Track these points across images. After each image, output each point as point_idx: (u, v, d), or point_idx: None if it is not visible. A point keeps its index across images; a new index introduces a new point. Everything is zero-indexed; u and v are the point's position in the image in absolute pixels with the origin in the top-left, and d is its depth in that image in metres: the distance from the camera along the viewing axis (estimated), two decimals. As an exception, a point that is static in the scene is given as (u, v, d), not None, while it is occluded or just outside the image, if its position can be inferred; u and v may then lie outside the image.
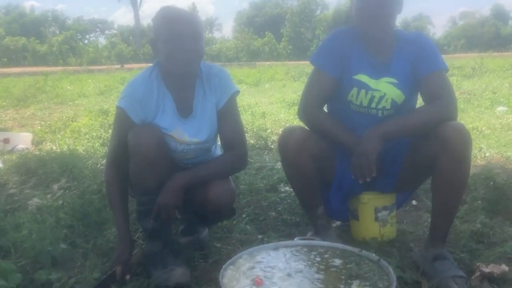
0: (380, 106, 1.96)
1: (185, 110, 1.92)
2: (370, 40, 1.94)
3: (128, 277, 1.83)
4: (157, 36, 1.81)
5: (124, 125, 1.86)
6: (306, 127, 2.02)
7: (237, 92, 1.98)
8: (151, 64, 1.97)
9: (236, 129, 1.97)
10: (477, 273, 1.80)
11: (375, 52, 1.96)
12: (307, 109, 2.00)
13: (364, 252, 1.68)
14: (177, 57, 1.77)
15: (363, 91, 1.95)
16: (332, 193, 2.10)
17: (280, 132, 5.20)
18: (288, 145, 1.93)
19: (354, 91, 1.97)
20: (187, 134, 1.92)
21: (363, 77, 1.95)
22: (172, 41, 1.76)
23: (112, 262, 1.89)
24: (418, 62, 1.91)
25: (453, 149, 1.74)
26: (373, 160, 1.81)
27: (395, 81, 1.93)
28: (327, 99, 2.03)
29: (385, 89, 1.94)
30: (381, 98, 1.95)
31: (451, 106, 1.85)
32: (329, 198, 2.10)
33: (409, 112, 1.95)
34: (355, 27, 1.98)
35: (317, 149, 1.93)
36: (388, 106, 1.96)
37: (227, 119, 1.96)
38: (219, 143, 2.13)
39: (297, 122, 5.70)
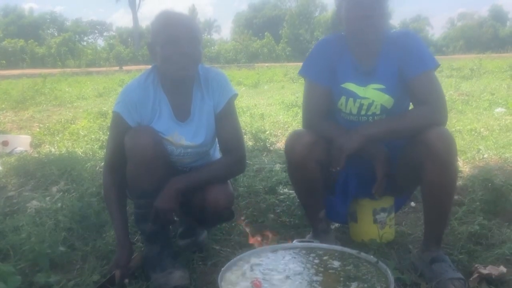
0: (370, 113, 1.96)
1: (182, 113, 1.93)
2: (357, 45, 1.93)
3: (127, 281, 1.83)
4: (155, 39, 1.82)
5: (121, 130, 1.87)
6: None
7: (235, 95, 1.99)
8: (149, 66, 1.97)
9: (234, 133, 1.97)
10: (475, 275, 1.80)
11: (362, 58, 1.94)
12: (311, 124, 1.99)
13: (363, 254, 1.69)
14: (174, 61, 1.78)
15: (351, 99, 1.95)
16: (337, 197, 2.09)
17: (278, 134, 5.22)
18: (296, 150, 1.91)
19: (343, 99, 1.97)
20: (185, 137, 1.92)
21: (350, 86, 1.95)
22: (169, 44, 1.77)
23: (111, 266, 1.89)
24: (404, 64, 1.88)
25: (436, 155, 1.72)
26: (344, 156, 1.80)
27: (382, 86, 1.92)
28: (327, 108, 2.01)
29: (373, 96, 1.93)
30: (370, 105, 1.95)
31: (438, 111, 1.82)
32: (330, 201, 2.10)
33: (397, 115, 1.94)
34: (340, 35, 1.99)
35: (324, 153, 1.91)
36: (378, 112, 1.96)
37: (225, 122, 1.96)
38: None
39: (296, 124, 5.73)
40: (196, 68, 1.89)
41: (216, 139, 2.05)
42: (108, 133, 2.00)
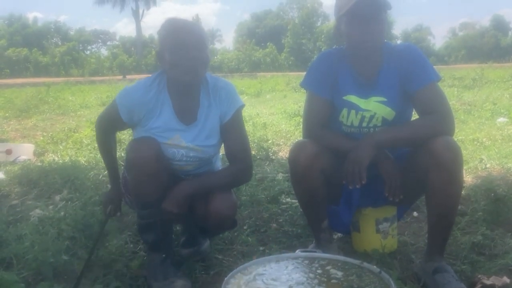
0: (371, 125, 1.97)
1: (188, 118, 1.94)
2: (357, 58, 1.94)
3: (119, 213, 2.19)
4: (163, 46, 1.85)
5: (113, 115, 1.95)
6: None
7: (243, 106, 2.02)
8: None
9: (241, 142, 1.99)
10: (479, 285, 1.80)
11: (362, 71, 1.96)
12: (311, 134, 2.00)
13: (365, 264, 1.69)
14: (182, 66, 1.80)
15: (353, 111, 1.97)
16: (341, 207, 2.10)
17: (281, 143, 5.22)
18: (299, 160, 1.91)
19: (345, 111, 1.98)
20: (184, 140, 1.93)
21: (352, 98, 1.96)
22: (177, 50, 1.80)
23: (105, 201, 2.16)
24: (407, 76, 1.90)
25: (442, 165, 1.73)
26: (364, 167, 1.80)
27: (384, 99, 1.93)
28: (327, 120, 2.02)
29: (375, 109, 1.94)
30: (371, 117, 1.96)
31: (447, 121, 1.84)
32: (333, 211, 2.10)
33: (405, 123, 1.96)
34: (341, 48, 2.00)
35: (328, 163, 1.92)
36: (379, 124, 1.97)
37: (233, 132, 1.98)
38: (220, 155, 2.15)
39: (298, 133, 5.74)
40: (204, 72, 1.90)
41: (219, 149, 2.06)
42: (106, 107, 2.09)
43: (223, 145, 2.05)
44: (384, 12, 1.85)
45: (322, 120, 2.00)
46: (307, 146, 1.92)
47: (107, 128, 2.07)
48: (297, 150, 1.94)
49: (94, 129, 2.19)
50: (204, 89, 1.96)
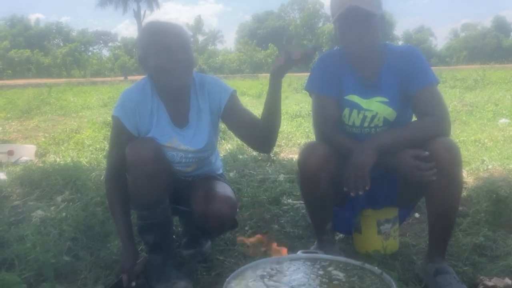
0: (372, 125, 1.97)
1: (180, 121, 1.93)
2: (358, 60, 1.95)
3: (134, 283, 1.83)
4: (146, 52, 1.81)
5: (120, 134, 1.88)
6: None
7: (235, 91, 1.98)
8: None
9: (251, 113, 1.94)
10: (480, 287, 1.80)
11: (364, 71, 1.96)
12: (325, 135, 1.99)
13: (367, 265, 1.68)
14: (170, 70, 1.77)
15: (355, 111, 1.97)
16: (346, 208, 2.09)
17: (282, 144, 5.22)
18: (309, 162, 1.90)
19: (346, 111, 1.98)
20: (183, 143, 1.93)
21: (354, 97, 1.96)
22: (162, 53, 1.77)
23: (118, 270, 1.89)
24: (407, 77, 1.90)
25: (442, 167, 1.72)
26: (367, 172, 1.79)
27: (386, 100, 1.94)
28: (338, 119, 2.01)
29: (377, 109, 1.95)
30: (373, 117, 1.96)
31: (443, 122, 1.84)
32: (335, 211, 2.09)
33: (404, 125, 1.96)
34: (341, 49, 2.01)
35: (337, 166, 1.91)
36: (381, 124, 1.97)
37: (237, 111, 1.93)
38: (220, 155, 2.15)
39: (299, 134, 5.74)
40: (191, 75, 1.88)
41: (216, 146, 2.05)
42: (109, 139, 2.00)
43: (231, 131, 2.01)
44: (376, 16, 1.84)
45: (333, 119, 1.99)
46: (317, 149, 1.91)
47: (122, 165, 1.85)
48: (307, 152, 1.93)
49: (105, 190, 2.01)
50: (193, 90, 1.94)
